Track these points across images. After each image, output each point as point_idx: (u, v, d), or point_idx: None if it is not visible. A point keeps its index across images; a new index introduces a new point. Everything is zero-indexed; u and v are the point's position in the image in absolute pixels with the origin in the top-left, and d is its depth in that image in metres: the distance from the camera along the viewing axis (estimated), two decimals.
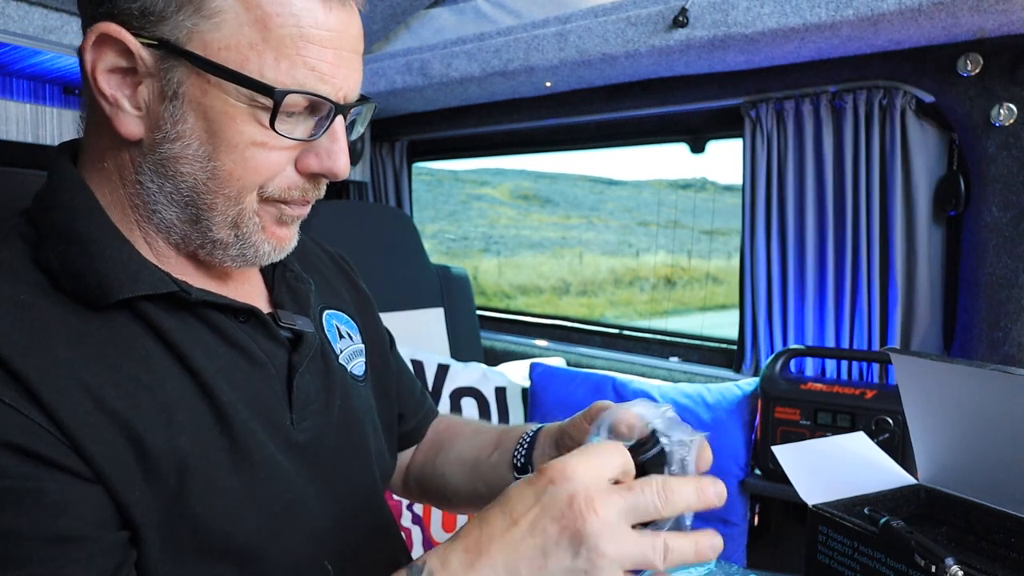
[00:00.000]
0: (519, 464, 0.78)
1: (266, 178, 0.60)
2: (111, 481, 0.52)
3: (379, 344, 0.88)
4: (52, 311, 0.55)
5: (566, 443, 0.74)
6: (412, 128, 2.24)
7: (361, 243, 1.81)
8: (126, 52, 0.56)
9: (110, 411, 0.53)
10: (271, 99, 0.56)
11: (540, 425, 0.80)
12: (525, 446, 0.78)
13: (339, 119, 0.61)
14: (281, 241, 0.65)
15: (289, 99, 0.57)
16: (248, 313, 0.65)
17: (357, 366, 0.79)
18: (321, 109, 0.60)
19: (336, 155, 0.62)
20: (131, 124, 0.58)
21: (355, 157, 2.17)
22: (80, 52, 0.57)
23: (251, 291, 0.72)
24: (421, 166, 2.57)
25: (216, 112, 0.57)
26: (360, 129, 0.72)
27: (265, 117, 0.57)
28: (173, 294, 0.60)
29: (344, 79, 0.60)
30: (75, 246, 0.58)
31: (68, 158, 0.63)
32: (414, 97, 1.92)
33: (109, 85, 0.57)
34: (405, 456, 0.94)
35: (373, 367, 0.84)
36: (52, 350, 0.53)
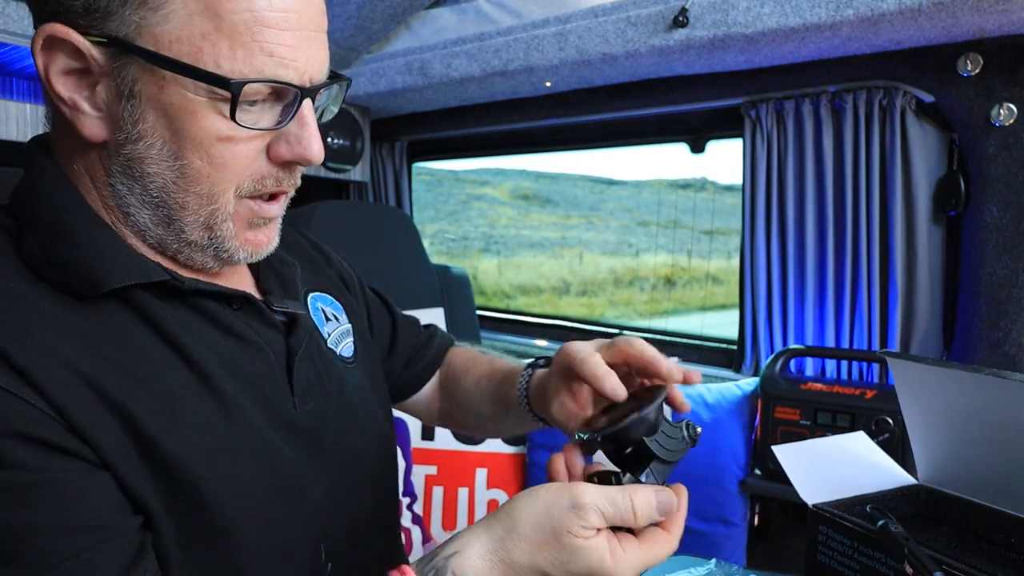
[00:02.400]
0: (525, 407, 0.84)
1: (237, 174, 0.58)
2: (118, 470, 0.52)
3: (362, 321, 0.87)
4: (41, 301, 0.54)
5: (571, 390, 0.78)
6: (412, 128, 2.24)
7: (361, 243, 1.81)
8: (77, 52, 0.54)
9: (111, 402, 0.53)
10: (228, 91, 0.53)
11: (532, 368, 0.85)
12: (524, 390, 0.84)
13: (307, 103, 0.59)
14: (257, 246, 0.63)
15: (249, 88, 0.54)
16: (241, 300, 0.64)
17: (346, 347, 0.79)
18: (286, 95, 0.58)
19: (307, 140, 0.59)
20: (93, 126, 0.56)
21: (355, 157, 2.17)
22: (32, 55, 0.55)
23: (238, 279, 0.71)
24: (421, 166, 2.57)
25: (176, 109, 0.54)
26: (334, 109, 0.68)
27: (227, 110, 0.54)
28: (165, 283, 0.59)
29: (307, 61, 0.57)
30: (59, 237, 0.56)
31: (44, 152, 0.61)
32: (414, 97, 1.92)
33: (66, 88, 0.55)
34: (429, 387, 0.98)
35: (363, 345, 0.83)
36: (46, 340, 0.52)
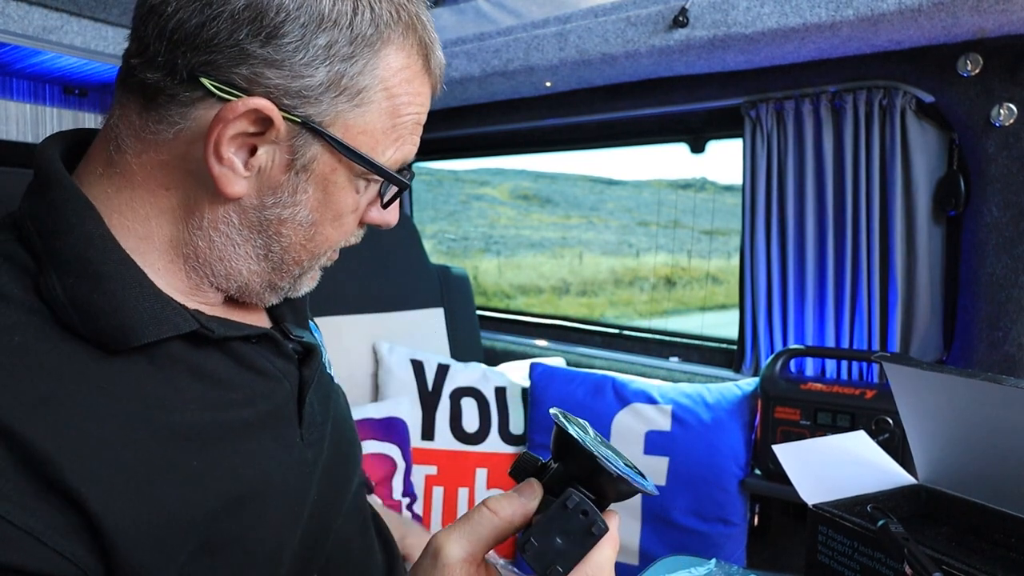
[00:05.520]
0: None
1: (346, 237, 0.65)
2: (126, 562, 0.48)
3: None
4: (54, 356, 0.50)
5: None
6: None
7: (361, 243, 1.80)
8: (261, 122, 0.54)
9: (119, 466, 0.49)
10: (390, 183, 0.62)
11: None
12: None
13: None
14: (312, 284, 0.69)
15: None
16: (259, 335, 0.63)
17: (334, 374, 0.80)
18: None
19: (395, 211, 0.67)
20: (237, 185, 0.55)
21: None
22: (216, 119, 0.53)
23: (253, 307, 0.69)
24: (421, 166, 2.57)
25: (336, 187, 0.59)
26: None
27: (362, 185, 0.61)
28: (194, 332, 0.57)
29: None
30: (87, 281, 0.52)
31: (64, 169, 0.57)
32: None
33: (227, 148, 0.54)
34: None
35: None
36: (58, 411, 0.47)
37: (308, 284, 0.67)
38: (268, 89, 0.53)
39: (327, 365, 0.77)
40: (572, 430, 0.50)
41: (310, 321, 0.80)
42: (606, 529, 0.47)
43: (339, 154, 0.57)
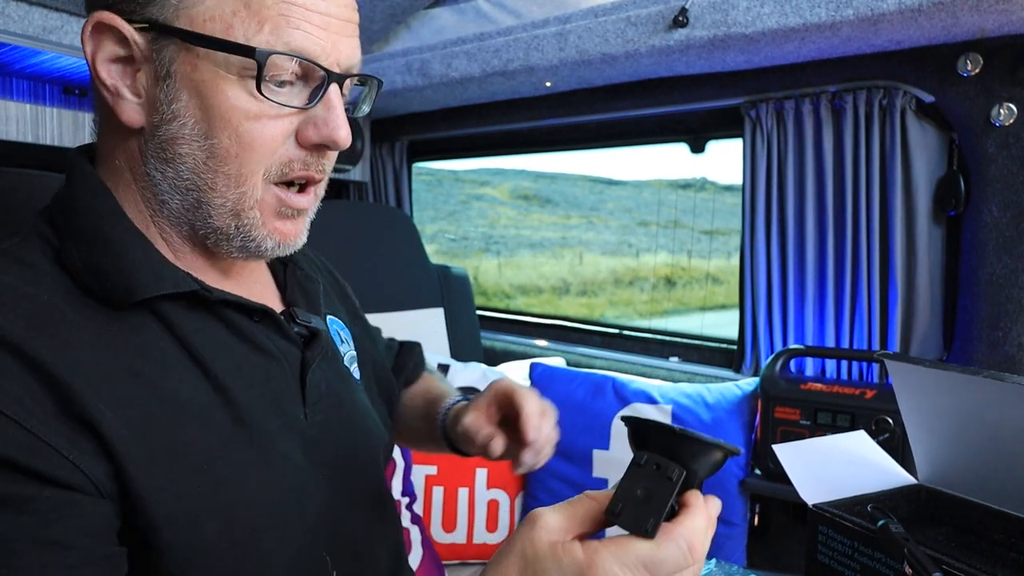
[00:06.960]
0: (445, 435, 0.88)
1: (264, 155, 0.60)
2: (133, 490, 0.52)
3: (370, 352, 0.90)
4: (74, 314, 0.56)
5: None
6: (412, 128, 2.24)
7: (361, 243, 1.81)
8: (123, 40, 0.57)
9: (134, 419, 0.54)
10: (255, 61, 0.56)
11: (455, 401, 0.89)
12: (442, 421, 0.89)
13: (334, 87, 0.61)
14: (285, 237, 0.64)
15: (278, 64, 0.57)
16: (261, 313, 0.66)
17: (355, 371, 0.81)
18: (314, 77, 0.60)
19: (333, 123, 0.61)
20: (131, 111, 0.59)
21: (355, 157, 2.17)
22: (82, 42, 0.59)
23: (263, 291, 0.73)
24: (421, 166, 2.57)
25: (207, 86, 0.57)
26: (365, 108, 0.72)
27: (252, 85, 0.57)
28: (194, 293, 0.61)
29: (334, 46, 0.59)
30: (98, 246, 0.58)
31: (87, 161, 0.64)
32: (414, 97, 1.92)
33: (110, 75, 0.58)
34: None
35: (365, 373, 0.86)
36: (79, 354, 0.53)
37: (271, 235, 0.63)
38: (113, 3, 0.57)
39: (344, 359, 0.79)
40: (641, 417, 0.53)
41: (335, 319, 0.82)
42: (683, 472, 0.48)
43: (194, 48, 0.56)
